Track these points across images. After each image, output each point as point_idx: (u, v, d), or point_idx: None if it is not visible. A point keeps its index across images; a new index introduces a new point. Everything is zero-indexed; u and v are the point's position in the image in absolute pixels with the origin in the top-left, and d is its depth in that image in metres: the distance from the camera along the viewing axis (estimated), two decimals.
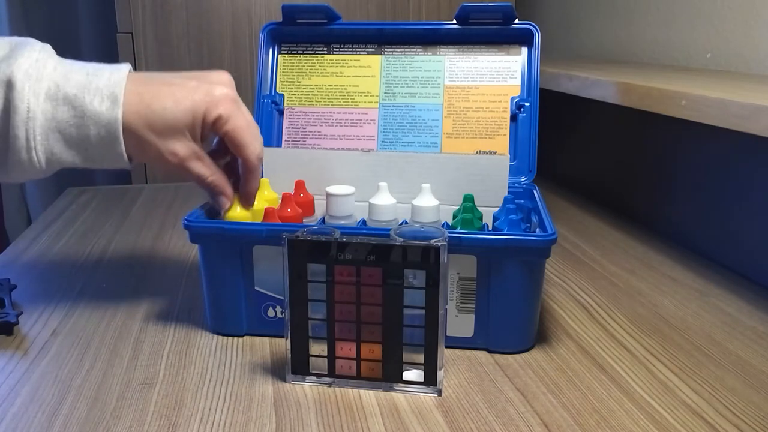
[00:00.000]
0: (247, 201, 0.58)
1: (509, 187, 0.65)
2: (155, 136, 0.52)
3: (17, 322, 0.59)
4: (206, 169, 0.55)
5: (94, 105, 0.50)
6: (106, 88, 0.50)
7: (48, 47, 0.52)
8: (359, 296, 0.47)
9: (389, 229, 0.48)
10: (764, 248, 0.68)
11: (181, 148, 0.53)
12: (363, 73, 0.75)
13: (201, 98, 0.52)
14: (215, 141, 0.59)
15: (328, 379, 0.49)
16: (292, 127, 0.75)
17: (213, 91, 0.53)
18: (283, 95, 0.76)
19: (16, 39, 0.52)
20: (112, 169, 0.54)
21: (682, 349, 0.55)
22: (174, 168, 0.54)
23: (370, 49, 0.75)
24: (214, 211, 0.60)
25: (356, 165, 0.66)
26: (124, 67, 0.52)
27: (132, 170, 0.55)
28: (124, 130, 0.51)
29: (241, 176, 0.57)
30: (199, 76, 0.55)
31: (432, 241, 0.46)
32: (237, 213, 0.58)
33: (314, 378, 0.49)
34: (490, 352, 0.54)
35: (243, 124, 0.54)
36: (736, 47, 0.86)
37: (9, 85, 0.49)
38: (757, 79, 0.76)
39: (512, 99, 0.71)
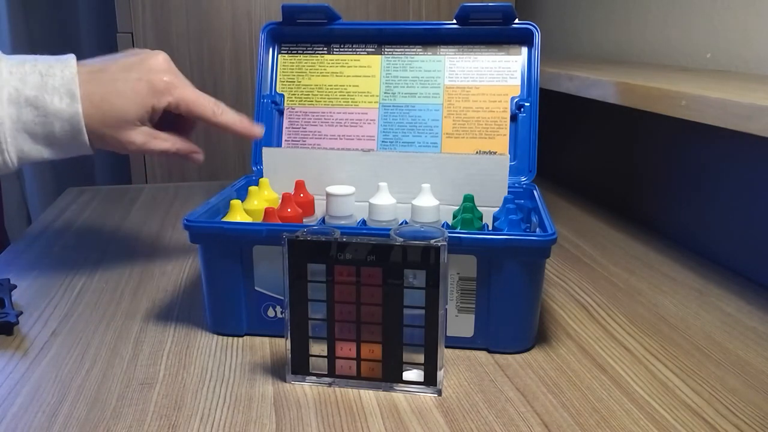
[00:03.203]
0: (244, 131, 0.62)
1: (509, 187, 0.65)
2: (111, 130, 0.56)
3: (17, 322, 0.59)
4: (166, 143, 0.59)
5: (55, 103, 0.54)
6: (62, 86, 0.54)
7: None
8: (359, 296, 0.47)
9: (389, 229, 0.48)
10: (764, 248, 0.68)
11: (137, 135, 0.57)
12: (363, 73, 0.75)
13: (146, 90, 0.56)
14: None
15: (328, 379, 0.49)
16: (292, 127, 0.75)
17: (155, 84, 0.57)
18: (283, 95, 0.76)
19: None
20: (76, 156, 0.58)
21: (682, 349, 0.55)
22: (136, 151, 0.58)
23: (370, 49, 0.75)
24: (214, 211, 0.60)
25: (356, 165, 0.66)
26: (71, 61, 0.56)
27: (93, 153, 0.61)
28: (84, 119, 0.55)
29: (216, 127, 0.61)
30: (136, 64, 0.58)
31: (432, 241, 0.46)
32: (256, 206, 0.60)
33: (314, 378, 0.49)
34: (490, 352, 0.54)
35: (193, 98, 0.58)
36: (736, 47, 0.86)
37: None
38: (757, 79, 0.76)
39: (512, 99, 0.71)
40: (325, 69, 0.75)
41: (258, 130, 0.64)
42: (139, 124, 0.57)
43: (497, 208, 0.60)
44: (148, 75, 0.57)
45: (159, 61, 0.58)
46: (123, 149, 0.58)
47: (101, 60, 0.58)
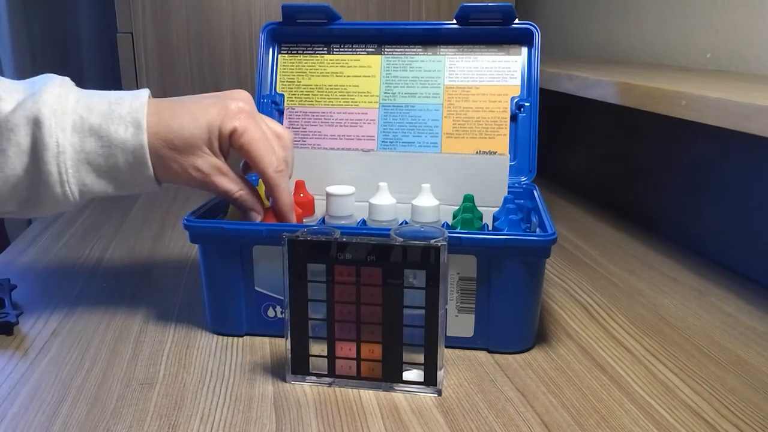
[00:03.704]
0: (284, 219, 0.57)
1: (509, 187, 0.65)
2: (176, 154, 0.52)
3: (17, 322, 0.59)
4: (232, 185, 0.55)
5: (119, 133, 0.51)
6: (128, 115, 0.51)
7: (67, 80, 0.53)
8: (359, 296, 0.47)
9: (389, 229, 0.48)
10: (764, 248, 0.68)
11: (203, 163, 0.53)
12: (363, 73, 0.75)
13: (216, 112, 0.53)
14: (242, 163, 0.59)
15: (328, 379, 0.49)
16: (292, 127, 0.75)
17: (228, 106, 0.54)
18: (283, 95, 0.76)
19: (36, 78, 0.53)
20: (143, 193, 0.55)
21: (682, 349, 0.55)
22: (200, 184, 0.54)
23: (370, 49, 0.75)
24: (214, 211, 0.60)
25: (356, 165, 0.66)
26: (144, 93, 0.53)
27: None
28: (149, 150, 0.52)
29: (268, 195, 0.57)
30: (217, 95, 0.55)
31: (432, 241, 0.45)
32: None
33: (314, 378, 0.49)
34: (490, 352, 0.54)
35: (257, 137, 0.54)
36: (736, 47, 0.86)
37: (36, 123, 0.50)
38: (757, 79, 0.76)
39: (512, 99, 0.71)
40: (325, 69, 0.75)
41: (293, 218, 0.58)
42: (208, 151, 0.53)
43: (497, 208, 0.60)
44: (223, 100, 0.54)
45: (241, 93, 0.56)
46: (188, 178, 0.53)
47: (183, 97, 0.56)
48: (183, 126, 0.52)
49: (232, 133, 0.53)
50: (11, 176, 0.51)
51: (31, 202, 0.52)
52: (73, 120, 0.51)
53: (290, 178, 0.57)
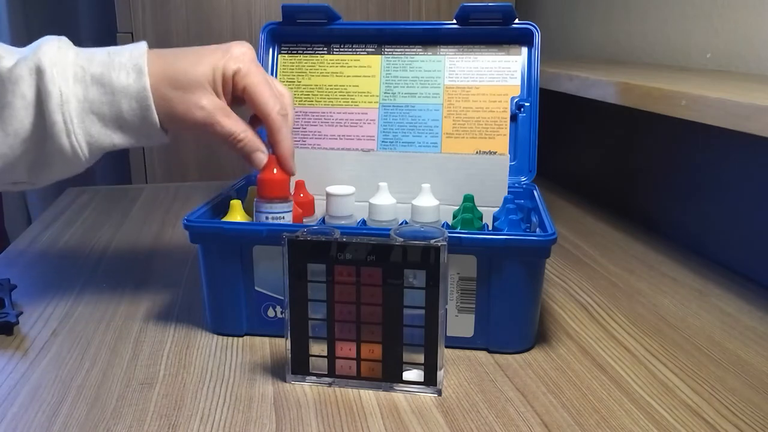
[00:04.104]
0: (285, 165, 0.56)
1: (509, 187, 0.65)
2: (181, 92, 0.52)
3: (17, 322, 0.59)
4: (236, 125, 0.54)
5: (121, 79, 0.51)
6: (129, 61, 0.52)
7: (64, 38, 0.54)
8: (359, 296, 0.47)
9: (389, 229, 0.48)
10: (764, 248, 0.68)
11: (208, 101, 0.53)
12: (363, 73, 0.75)
13: (221, 54, 0.54)
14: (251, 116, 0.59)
15: (328, 379, 0.49)
16: (293, 127, 0.75)
17: (231, 49, 0.54)
18: None
19: (33, 43, 0.53)
20: (151, 146, 0.55)
21: (682, 349, 0.55)
22: (204, 125, 0.53)
23: (370, 49, 0.75)
24: (214, 211, 0.60)
25: (356, 165, 0.66)
26: (142, 44, 0.54)
27: (170, 141, 0.56)
28: (152, 94, 0.52)
29: (269, 139, 0.56)
30: (219, 45, 0.56)
31: (432, 241, 0.45)
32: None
33: (314, 378, 0.49)
34: (490, 352, 0.54)
35: (260, 80, 0.54)
36: (736, 47, 0.86)
37: (39, 72, 0.50)
38: (757, 79, 0.76)
39: (512, 99, 0.71)
40: (325, 69, 0.75)
41: (293, 168, 0.57)
42: (211, 90, 0.53)
43: (497, 208, 0.60)
44: (226, 45, 0.55)
45: (242, 42, 0.56)
46: (192, 119, 0.53)
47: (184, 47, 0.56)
48: (187, 65, 0.53)
49: (236, 74, 0.53)
50: (20, 130, 0.50)
51: (39, 162, 0.52)
52: (74, 71, 0.51)
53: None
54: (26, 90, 0.50)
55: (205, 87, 0.53)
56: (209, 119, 0.53)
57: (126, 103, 0.51)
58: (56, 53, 0.51)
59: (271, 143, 0.56)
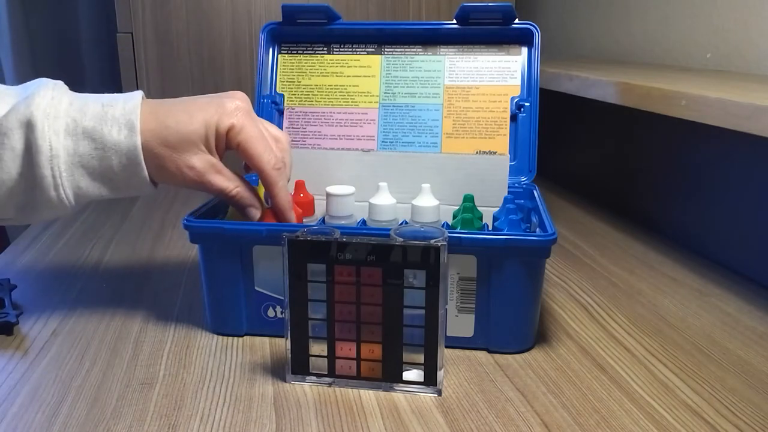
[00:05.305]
0: (283, 217, 0.56)
1: (509, 187, 0.65)
2: (171, 151, 0.52)
3: (17, 322, 0.59)
4: (228, 182, 0.54)
5: (113, 135, 0.51)
6: (122, 116, 0.51)
7: (60, 84, 0.53)
8: (359, 296, 0.47)
9: (389, 229, 0.48)
10: (764, 248, 0.68)
11: (198, 161, 0.52)
12: (363, 73, 0.75)
13: (214, 110, 0.53)
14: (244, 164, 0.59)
15: (328, 379, 0.49)
16: (292, 127, 0.75)
17: (225, 104, 0.53)
18: (283, 95, 0.76)
19: (29, 83, 0.53)
20: (140, 195, 0.55)
21: (682, 349, 0.55)
22: (195, 184, 0.53)
23: (370, 49, 0.75)
24: (214, 211, 0.60)
25: (356, 165, 0.66)
26: (137, 95, 0.53)
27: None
28: (143, 151, 0.51)
29: (266, 192, 0.56)
30: (213, 95, 0.55)
31: (432, 241, 0.45)
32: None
33: (314, 378, 0.49)
34: (490, 352, 0.54)
35: (255, 135, 0.53)
36: (736, 47, 0.86)
37: (29, 126, 0.49)
38: (757, 79, 0.76)
39: (512, 99, 0.71)
40: (325, 69, 0.75)
41: (293, 217, 0.57)
42: (203, 148, 0.52)
43: (497, 208, 0.60)
44: (219, 99, 0.54)
45: (237, 93, 0.55)
46: (183, 177, 0.53)
47: (179, 98, 0.55)
48: (179, 123, 0.52)
49: (230, 130, 0.53)
50: (7, 180, 0.50)
51: (28, 207, 0.52)
52: (66, 123, 0.50)
53: (288, 181, 0.57)
54: (16, 143, 0.50)
55: (197, 145, 0.52)
56: (200, 179, 0.53)
57: (116, 159, 0.51)
58: (49, 104, 0.50)
59: (269, 197, 0.56)
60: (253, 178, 0.69)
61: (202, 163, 0.53)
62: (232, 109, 0.53)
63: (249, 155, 0.54)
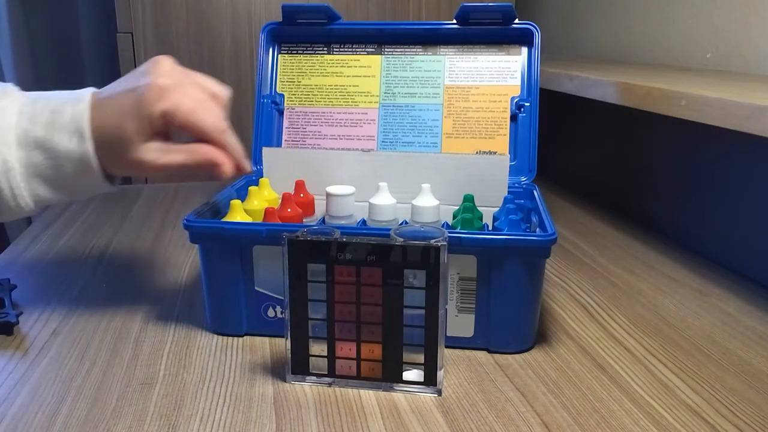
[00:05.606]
0: (242, 166, 0.55)
1: (509, 187, 0.65)
2: (121, 153, 0.51)
3: (17, 322, 0.59)
4: (181, 155, 0.52)
5: (64, 143, 0.50)
6: (71, 123, 0.51)
7: (10, 88, 0.52)
8: (359, 296, 0.47)
9: (389, 229, 0.48)
10: (764, 248, 0.68)
11: (146, 153, 0.51)
12: (363, 73, 0.75)
13: (140, 103, 0.51)
14: None
15: (328, 379, 0.49)
16: (292, 127, 0.75)
17: (148, 92, 0.51)
18: (283, 95, 0.76)
19: None
20: (98, 193, 0.55)
21: (682, 349, 0.55)
22: (151, 172, 0.53)
23: (370, 49, 0.75)
24: (214, 211, 0.60)
25: (356, 165, 0.66)
26: (86, 96, 0.52)
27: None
28: (96, 153, 0.51)
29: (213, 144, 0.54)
30: (139, 76, 0.53)
31: (432, 241, 0.45)
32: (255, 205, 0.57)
33: (314, 378, 0.49)
34: (490, 352, 0.54)
35: (189, 107, 0.52)
36: (736, 47, 0.86)
37: None
38: (757, 79, 0.76)
39: (512, 99, 0.71)
40: (325, 69, 0.75)
41: (249, 166, 0.56)
42: (145, 139, 0.51)
43: (497, 208, 0.60)
44: (144, 84, 0.51)
45: (159, 67, 0.53)
46: (139, 172, 0.53)
47: (116, 82, 0.54)
48: (116, 127, 0.51)
49: (164, 115, 0.51)
50: None
51: None
52: (17, 135, 0.50)
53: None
54: None
55: (135, 142, 0.51)
56: (154, 165, 0.52)
57: (70, 167, 0.51)
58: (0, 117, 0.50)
59: (216, 145, 0.54)
60: (253, 178, 0.69)
61: (151, 153, 0.51)
62: (158, 93, 0.51)
63: (193, 130, 0.52)
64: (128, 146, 0.51)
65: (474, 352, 0.54)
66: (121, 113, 0.51)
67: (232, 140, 0.54)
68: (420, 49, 0.74)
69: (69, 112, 0.51)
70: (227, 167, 0.53)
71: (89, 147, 0.50)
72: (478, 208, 0.60)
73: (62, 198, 0.53)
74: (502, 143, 0.71)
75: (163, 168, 0.52)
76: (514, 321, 0.53)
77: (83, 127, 0.50)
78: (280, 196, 0.62)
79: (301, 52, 0.76)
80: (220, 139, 0.53)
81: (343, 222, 0.61)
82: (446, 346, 0.52)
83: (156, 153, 0.52)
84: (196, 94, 0.53)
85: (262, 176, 0.67)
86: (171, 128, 0.53)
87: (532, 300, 0.53)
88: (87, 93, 0.52)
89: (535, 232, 0.58)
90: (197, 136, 0.53)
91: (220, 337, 0.56)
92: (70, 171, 0.51)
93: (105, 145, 0.51)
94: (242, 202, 0.61)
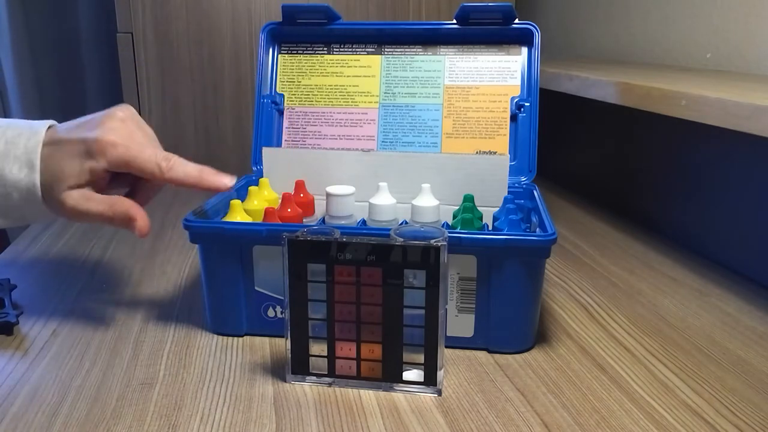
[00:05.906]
0: (187, 181, 0.55)
1: (509, 187, 0.65)
2: (54, 193, 0.53)
3: (17, 322, 0.59)
4: (100, 205, 0.54)
5: (14, 173, 0.53)
6: (23, 155, 0.53)
7: None
8: (359, 296, 0.47)
9: (389, 229, 0.48)
10: (764, 248, 0.68)
11: (69, 198, 0.53)
12: (363, 73, 0.75)
13: (84, 153, 0.53)
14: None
15: (328, 379, 0.49)
16: (292, 127, 0.75)
17: (93, 145, 0.53)
18: (283, 95, 0.76)
19: None
20: (41, 223, 0.57)
21: (682, 349, 0.55)
22: (69, 215, 0.54)
23: (370, 49, 0.75)
24: (214, 211, 0.60)
25: (356, 165, 0.66)
26: (42, 129, 0.54)
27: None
28: (41, 186, 0.53)
29: (169, 183, 0.55)
30: (94, 125, 0.54)
31: (432, 241, 0.45)
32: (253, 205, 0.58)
33: (314, 378, 0.49)
34: (490, 352, 0.54)
35: (132, 155, 0.53)
36: (736, 47, 0.86)
37: None
38: (757, 79, 0.76)
39: (512, 99, 0.71)
40: (325, 69, 0.75)
41: (227, 180, 0.56)
42: (76, 185, 0.53)
43: (497, 208, 0.60)
44: (92, 138, 0.53)
45: (114, 119, 0.54)
46: (61, 212, 0.54)
47: (74, 123, 0.55)
48: (59, 170, 0.53)
49: (108, 167, 0.53)
50: None
51: None
52: None
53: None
54: None
55: (69, 184, 0.53)
56: (75, 210, 0.53)
57: (17, 195, 0.54)
58: None
59: (172, 183, 0.55)
60: (253, 178, 0.70)
61: (73, 199, 0.53)
62: (101, 147, 0.53)
63: (141, 173, 0.54)
64: (59, 186, 0.53)
65: (474, 352, 0.54)
66: (66, 156, 0.53)
67: (184, 170, 0.54)
68: (420, 49, 0.74)
69: (23, 145, 0.54)
70: (141, 224, 0.54)
71: (37, 179, 0.53)
72: (478, 208, 0.60)
73: (10, 224, 0.56)
74: (502, 143, 0.71)
75: (81, 215, 0.54)
76: (514, 321, 0.53)
77: (33, 160, 0.53)
78: (280, 196, 0.62)
79: (301, 52, 0.76)
80: (170, 176, 0.54)
81: (343, 222, 0.61)
82: (446, 346, 0.52)
83: (78, 199, 0.54)
84: (137, 139, 0.55)
85: (262, 176, 0.67)
86: (106, 175, 0.54)
87: (532, 300, 0.53)
88: (43, 128, 0.55)
89: (535, 232, 0.58)
90: (139, 174, 0.54)
91: (220, 337, 0.56)
92: (16, 198, 0.54)
93: (46, 180, 0.53)
94: (242, 202, 0.61)
